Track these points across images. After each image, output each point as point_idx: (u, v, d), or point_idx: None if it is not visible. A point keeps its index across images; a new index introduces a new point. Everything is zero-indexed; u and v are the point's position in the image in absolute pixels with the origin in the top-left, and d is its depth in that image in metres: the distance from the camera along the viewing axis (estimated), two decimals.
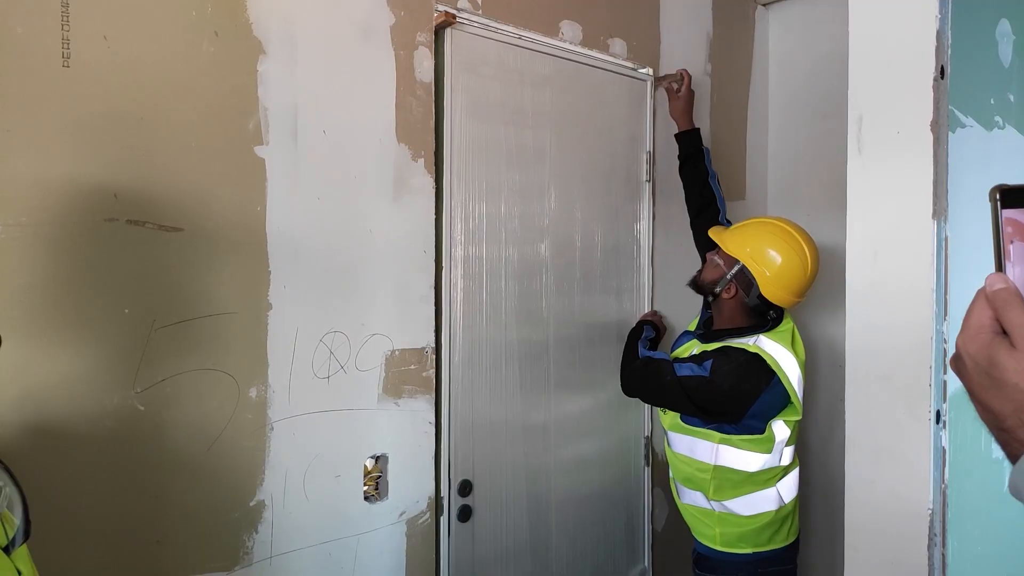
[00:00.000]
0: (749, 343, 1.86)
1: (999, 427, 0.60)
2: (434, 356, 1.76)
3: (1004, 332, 0.59)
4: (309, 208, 1.54)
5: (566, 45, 2.04)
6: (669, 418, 1.99)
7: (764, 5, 2.72)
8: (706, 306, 2.10)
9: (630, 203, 2.25)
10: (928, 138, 1.21)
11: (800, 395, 1.85)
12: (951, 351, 1.24)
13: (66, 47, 1.24)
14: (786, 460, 1.90)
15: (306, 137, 1.53)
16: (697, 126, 2.20)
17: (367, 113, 1.63)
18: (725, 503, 1.89)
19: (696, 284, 2.04)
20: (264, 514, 1.48)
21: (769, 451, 1.85)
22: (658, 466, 2.35)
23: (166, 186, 1.35)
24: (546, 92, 2.00)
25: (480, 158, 1.86)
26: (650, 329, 2.14)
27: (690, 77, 2.20)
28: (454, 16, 1.74)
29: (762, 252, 1.88)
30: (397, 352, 1.69)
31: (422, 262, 1.73)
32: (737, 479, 1.87)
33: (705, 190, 2.15)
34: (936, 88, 1.22)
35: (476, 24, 1.82)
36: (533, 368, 2.00)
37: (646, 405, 2.29)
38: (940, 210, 1.22)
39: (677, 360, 1.91)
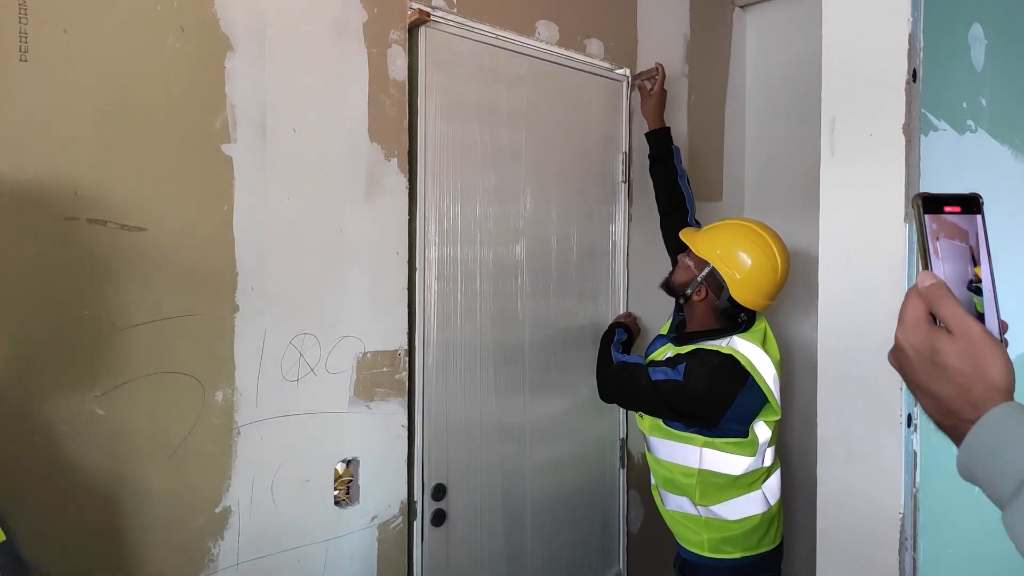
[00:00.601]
0: (722, 345, 1.84)
1: (945, 411, 0.65)
2: (407, 358, 1.73)
3: (937, 323, 0.66)
4: (278, 207, 1.51)
5: (542, 45, 2.02)
6: (648, 422, 1.97)
7: (741, 7, 2.72)
8: (678, 308, 2.09)
9: (606, 204, 2.24)
10: (900, 141, 1.21)
11: (777, 394, 1.85)
12: None
13: (24, 40, 1.20)
14: (768, 461, 1.89)
15: (275, 135, 1.50)
16: (668, 125, 2.20)
17: (339, 111, 1.60)
18: (712, 508, 1.88)
19: (668, 286, 2.02)
20: (230, 520, 1.45)
21: (753, 454, 1.84)
22: (634, 468, 2.34)
23: (129, 184, 1.31)
24: (522, 92, 1.99)
25: (454, 158, 1.83)
26: (622, 332, 2.13)
27: (664, 75, 2.19)
28: (428, 14, 1.72)
29: (732, 254, 1.85)
30: (369, 354, 1.66)
31: (395, 263, 1.70)
32: (722, 483, 1.85)
33: (675, 190, 2.15)
34: (908, 91, 1.21)
35: (451, 22, 1.80)
36: (508, 370, 1.98)
37: (622, 407, 2.28)
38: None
39: (652, 364, 1.89)
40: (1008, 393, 0.63)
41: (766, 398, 1.82)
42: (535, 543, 2.05)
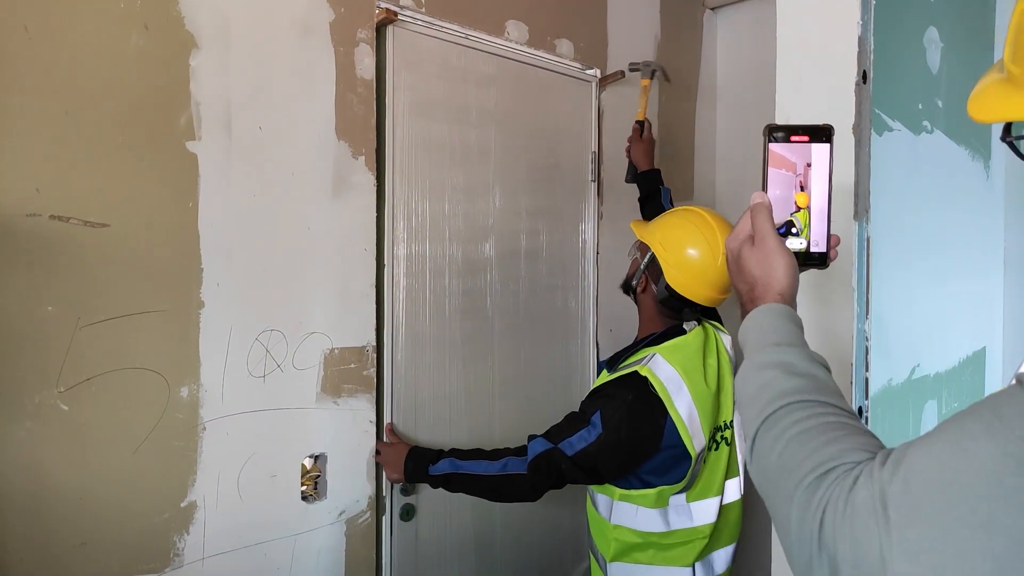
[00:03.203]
0: (642, 364, 1.55)
1: (744, 300, 0.88)
2: (375, 355, 1.75)
3: None
4: (244, 204, 1.51)
5: (512, 45, 2.04)
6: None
7: (712, 9, 2.75)
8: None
9: (575, 203, 2.26)
10: (850, 141, 1.24)
11: (696, 433, 1.53)
12: (873, 349, 1.27)
13: None
14: (699, 519, 1.59)
15: (241, 133, 1.51)
16: (657, 167, 2.18)
17: (305, 109, 1.61)
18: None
19: (623, 284, 1.79)
20: (196, 515, 1.46)
21: (662, 505, 1.56)
22: None
23: (92, 181, 1.32)
24: (491, 91, 2.01)
25: (423, 156, 1.85)
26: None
27: (650, 125, 2.23)
28: (395, 14, 1.73)
29: (670, 236, 1.63)
30: (336, 351, 1.67)
31: (362, 260, 1.71)
32: (633, 543, 1.58)
33: None
34: (858, 92, 1.24)
35: (419, 22, 1.82)
36: (477, 366, 1.99)
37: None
38: (862, 211, 1.25)
39: (563, 436, 1.54)
40: (783, 295, 0.83)
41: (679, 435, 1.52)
42: (505, 537, 2.07)
